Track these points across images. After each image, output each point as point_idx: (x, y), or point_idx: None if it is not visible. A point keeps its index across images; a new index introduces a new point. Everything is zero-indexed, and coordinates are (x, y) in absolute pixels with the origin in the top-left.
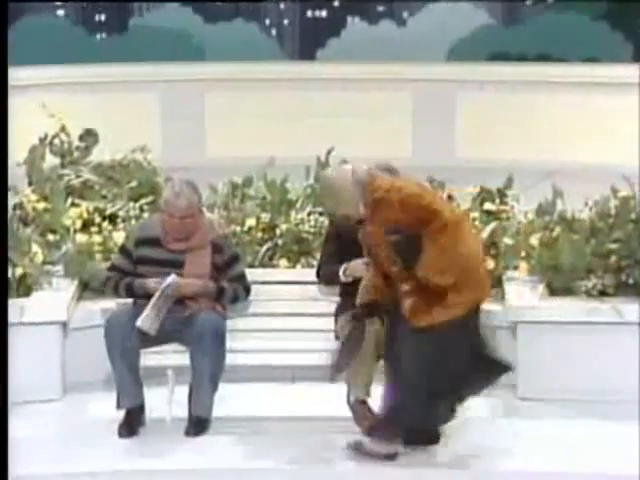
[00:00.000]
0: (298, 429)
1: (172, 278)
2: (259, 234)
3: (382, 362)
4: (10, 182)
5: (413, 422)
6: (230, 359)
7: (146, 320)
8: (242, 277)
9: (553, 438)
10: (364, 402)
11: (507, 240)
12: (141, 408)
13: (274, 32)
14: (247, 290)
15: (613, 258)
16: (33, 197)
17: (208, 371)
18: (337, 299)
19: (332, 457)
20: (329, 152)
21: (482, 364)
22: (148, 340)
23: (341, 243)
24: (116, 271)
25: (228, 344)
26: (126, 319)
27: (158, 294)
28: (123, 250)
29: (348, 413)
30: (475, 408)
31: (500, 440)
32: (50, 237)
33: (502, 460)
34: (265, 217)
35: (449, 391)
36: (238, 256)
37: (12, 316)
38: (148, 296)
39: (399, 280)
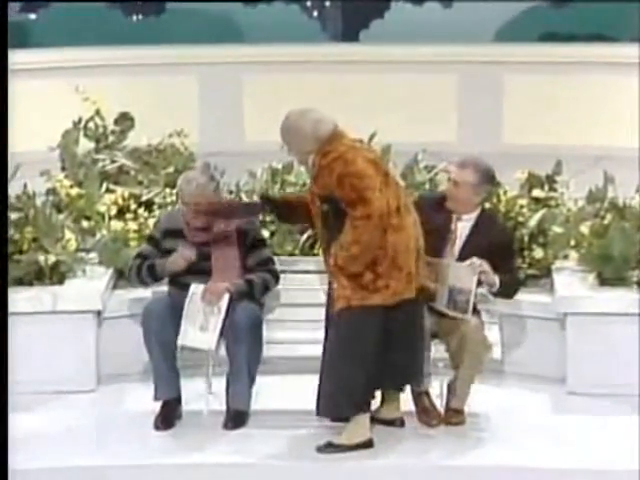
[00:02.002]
0: (340, 424)
1: (194, 288)
2: None
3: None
4: (43, 167)
5: (332, 408)
6: (267, 351)
7: (185, 336)
8: (268, 262)
9: (603, 435)
10: (421, 393)
11: (556, 228)
12: (178, 400)
13: (315, 13)
14: (276, 277)
15: None
16: (67, 182)
17: (245, 362)
18: None
19: (376, 452)
20: (372, 137)
21: (397, 363)
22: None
23: None
24: (143, 259)
25: (265, 335)
26: (164, 308)
27: (185, 308)
28: (151, 240)
29: None
30: (522, 402)
31: (547, 437)
32: (84, 224)
33: (548, 457)
34: None
35: (363, 379)
36: (263, 240)
37: (45, 304)
38: (173, 278)
39: (326, 251)
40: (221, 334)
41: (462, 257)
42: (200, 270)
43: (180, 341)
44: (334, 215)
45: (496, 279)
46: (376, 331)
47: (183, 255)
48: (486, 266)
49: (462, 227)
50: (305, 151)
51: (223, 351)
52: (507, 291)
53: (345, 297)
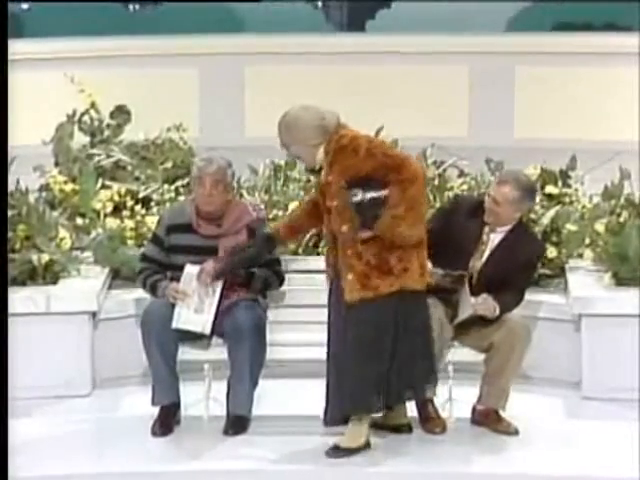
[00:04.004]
0: (343, 429)
1: (189, 268)
2: None
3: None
4: (36, 162)
5: (346, 408)
6: (271, 353)
7: (179, 318)
8: (274, 263)
9: (619, 442)
10: (425, 401)
11: (570, 226)
12: (177, 405)
13: (320, 3)
14: (280, 278)
15: None
16: (60, 178)
17: (247, 366)
18: None
19: (381, 458)
20: (378, 131)
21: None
22: (186, 333)
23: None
24: (148, 262)
25: (269, 337)
26: (165, 309)
27: (180, 289)
28: (154, 238)
29: None
30: (534, 407)
31: (560, 444)
32: (79, 221)
33: (561, 465)
34: None
35: (384, 374)
36: None
37: (38, 305)
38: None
39: (346, 243)
40: (215, 317)
41: (486, 266)
42: None
43: (174, 324)
44: (369, 204)
45: (496, 313)
46: (392, 324)
47: (168, 291)
48: (489, 305)
49: (494, 237)
50: (313, 144)
51: (224, 354)
52: (504, 311)
53: (372, 286)
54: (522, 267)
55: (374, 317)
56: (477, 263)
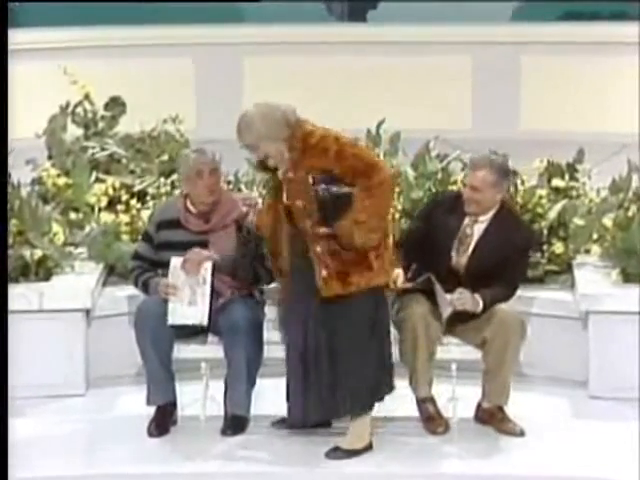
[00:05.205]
0: (344, 428)
1: (174, 261)
2: None
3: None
4: (29, 155)
5: (351, 408)
6: (268, 352)
7: (173, 314)
8: (264, 257)
9: (625, 442)
10: (425, 400)
11: (577, 221)
12: (173, 405)
13: None
14: (270, 273)
15: None
16: (53, 172)
17: (245, 365)
18: None
19: (382, 459)
20: (380, 124)
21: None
22: (182, 330)
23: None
24: (140, 259)
25: (265, 335)
26: (158, 307)
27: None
28: (145, 236)
29: (399, 411)
30: (540, 407)
31: (567, 445)
32: (72, 216)
33: (567, 465)
34: None
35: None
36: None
37: (30, 303)
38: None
39: (312, 239)
40: (210, 312)
41: (472, 259)
42: None
43: (170, 320)
44: (333, 201)
45: (479, 305)
46: (373, 320)
47: (160, 288)
48: (467, 299)
49: (477, 228)
50: (281, 137)
51: (222, 352)
52: (489, 303)
53: (351, 282)
54: (512, 258)
55: (358, 313)
56: (462, 258)
